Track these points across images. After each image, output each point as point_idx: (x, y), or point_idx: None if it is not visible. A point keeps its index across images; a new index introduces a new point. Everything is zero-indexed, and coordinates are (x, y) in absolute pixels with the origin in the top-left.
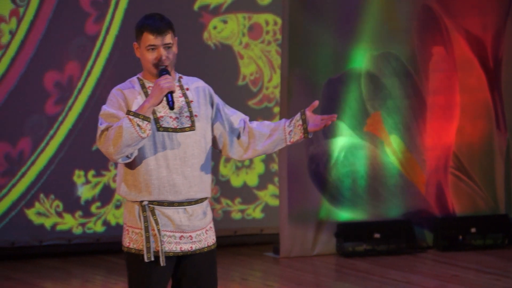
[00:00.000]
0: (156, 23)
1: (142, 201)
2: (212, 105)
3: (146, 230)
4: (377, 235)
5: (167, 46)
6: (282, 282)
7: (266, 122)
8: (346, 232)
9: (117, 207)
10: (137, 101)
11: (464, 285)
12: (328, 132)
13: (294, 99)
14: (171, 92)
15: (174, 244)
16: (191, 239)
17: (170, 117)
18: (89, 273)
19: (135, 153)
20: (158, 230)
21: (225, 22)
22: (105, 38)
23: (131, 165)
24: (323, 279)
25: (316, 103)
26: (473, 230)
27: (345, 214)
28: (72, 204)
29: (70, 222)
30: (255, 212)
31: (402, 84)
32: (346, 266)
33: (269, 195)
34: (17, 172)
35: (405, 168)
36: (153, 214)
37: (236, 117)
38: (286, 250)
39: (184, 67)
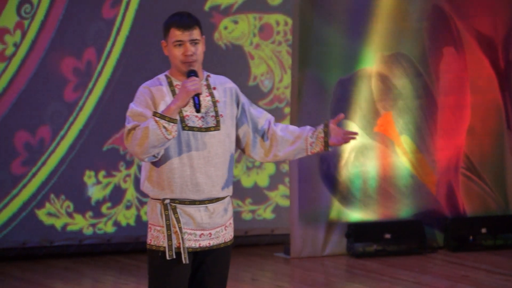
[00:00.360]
0: (183, 19)
1: (164, 200)
2: (237, 105)
3: (168, 228)
4: (387, 236)
5: (194, 42)
6: (292, 282)
7: (291, 127)
8: (357, 233)
9: (128, 207)
10: (164, 101)
11: (474, 286)
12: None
13: (305, 99)
14: (198, 95)
15: (194, 241)
16: (210, 236)
17: (196, 116)
18: (99, 273)
19: (162, 152)
20: (180, 228)
21: (235, 22)
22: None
23: (156, 162)
24: (333, 280)
25: (342, 116)
26: (483, 230)
27: (355, 215)
28: (82, 204)
29: (80, 223)
30: (266, 213)
31: (412, 84)
32: (357, 267)
33: (280, 196)
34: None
35: (415, 168)
36: (175, 212)
37: (262, 118)
38: (296, 251)
39: None
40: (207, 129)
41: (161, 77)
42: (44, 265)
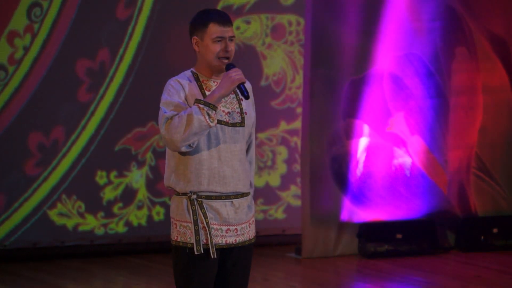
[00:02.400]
0: (221, 15)
1: (190, 195)
2: (253, 106)
3: (195, 223)
4: (399, 236)
5: (231, 39)
6: (304, 282)
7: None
8: (368, 233)
9: (139, 207)
10: (193, 96)
11: (486, 286)
12: (351, 133)
13: (317, 99)
14: (243, 83)
15: (220, 237)
16: (236, 232)
17: (223, 111)
18: (111, 274)
19: (196, 142)
20: (207, 223)
21: (248, 22)
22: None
23: (185, 154)
24: (345, 280)
25: None
26: (495, 230)
27: (367, 215)
28: (94, 204)
29: (92, 223)
30: (277, 213)
31: (424, 84)
32: (368, 267)
33: (291, 196)
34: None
35: (427, 168)
36: (201, 207)
37: (251, 133)
38: (308, 251)
39: None
40: (234, 125)
41: (187, 72)
42: (55, 265)
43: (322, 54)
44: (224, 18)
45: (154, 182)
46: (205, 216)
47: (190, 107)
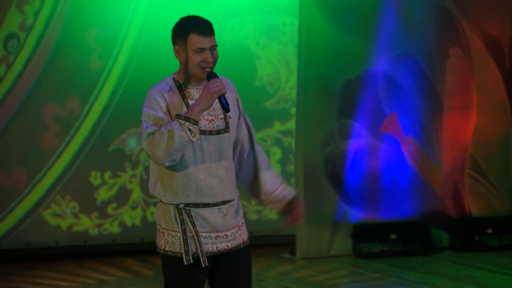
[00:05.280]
0: (202, 24)
1: (178, 204)
2: (239, 108)
3: (184, 233)
4: (393, 236)
5: (213, 48)
6: (298, 283)
7: (269, 173)
8: (362, 233)
9: (133, 208)
10: (176, 106)
11: (480, 286)
12: (345, 133)
13: (311, 100)
14: (223, 95)
15: (210, 244)
16: (226, 237)
17: (207, 119)
18: (105, 274)
19: (180, 156)
20: (196, 232)
21: (242, 23)
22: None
23: (170, 167)
24: (339, 280)
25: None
26: (489, 231)
27: (361, 215)
28: (88, 205)
29: (86, 223)
30: (272, 214)
31: (418, 85)
32: (362, 267)
33: None
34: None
35: (421, 169)
36: (190, 216)
37: (245, 135)
38: (302, 251)
39: None
40: (218, 132)
41: (169, 80)
42: (49, 265)
43: (316, 54)
44: (205, 27)
45: (148, 183)
46: (194, 225)
47: (172, 119)
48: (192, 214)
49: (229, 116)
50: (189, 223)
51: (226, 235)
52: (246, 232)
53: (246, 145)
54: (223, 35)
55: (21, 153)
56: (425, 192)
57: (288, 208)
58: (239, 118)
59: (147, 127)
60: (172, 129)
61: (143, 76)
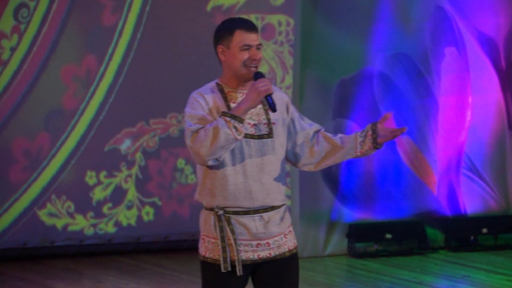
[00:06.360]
0: (248, 22)
1: (217, 211)
2: (288, 115)
3: (222, 240)
4: (388, 236)
5: (258, 47)
6: None
7: (339, 135)
8: (358, 233)
9: (129, 207)
10: (217, 110)
11: (475, 286)
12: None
13: (307, 99)
14: (270, 94)
15: (251, 252)
16: (268, 245)
17: (249, 123)
18: (100, 274)
19: (223, 156)
20: (234, 239)
21: None
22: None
23: (210, 169)
24: (334, 280)
25: (389, 115)
26: (484, 230)
27: (356, 215)
28: (83, 205)
29: (81, 223)
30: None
31: (414, 84)
32: (358, 267)
33: None
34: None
35: (416, 168)
36: (229, 223)
37: (311, 130)
38: (297, 251)
39: (197, 67)
40: (260, 137)
41: (212, 84)
42: (44, 265)
43: (312, 54)
44: (250, 25)
45: (144, 183)
46: (233, 232)
47: (215, 119)
48: (232, 221)
49: (273, 122)
50: (228, 230)
51: (268, 243)
52: (294, 240)
53: (310, 142)
54: None
55: (16, 151)
56: (421, 192)
57: (374, 133)
58: (291, 125)
59: (190, 125)
60: (218, 126)
61: (138, 75)
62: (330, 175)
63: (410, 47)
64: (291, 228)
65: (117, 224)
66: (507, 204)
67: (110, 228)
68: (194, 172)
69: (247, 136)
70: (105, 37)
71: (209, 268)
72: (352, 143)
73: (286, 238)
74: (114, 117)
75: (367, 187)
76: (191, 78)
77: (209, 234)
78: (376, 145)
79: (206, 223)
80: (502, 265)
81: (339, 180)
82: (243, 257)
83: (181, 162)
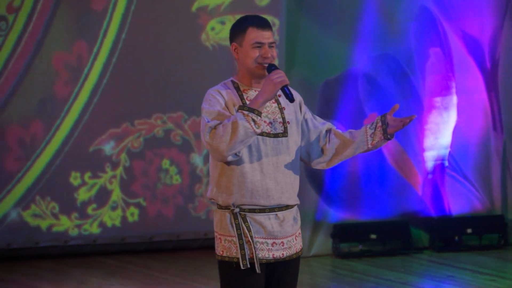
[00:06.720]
0: (260, 19)
1: (233, 209)
2: (301, 114)
3: (240, 237)
4: (373, 236)
5: (271, 45)
6: None
7: (349, 130)
8: (342, 233)
9: (113, 208)
10: (234, 106)
11: (459, 286)
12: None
13: None
14: (286, 85)
15: (267, 251)
16: (282, 245)
17: (264, 121)
18: (85, 274)
19: (242, 151)
20: (251, 237)
21: (223, 23)
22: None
23: (227, 166)
24: (319, 280)
25: (397, 106)
26: (469, 230)
27: (341, 215)
28: (68, 205)
29: (66, 224)
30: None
31: (399, 85)
32: (342, 267)
33: None
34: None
35: (401, 168)
36: (245, 221)
37: (324, 128)
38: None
39: (182, 68)
40: (276, 135)
41: (228, 82)
42: (29, 266)
43: (297, 54)
44: (263, 22)
45: (129, 183)
46: (249, 230)
47: (232, 115)
48: (248, 219)
49: (287, 121)
50: (244, 228)
51: (282, 242)
52: (301, 243)
53: (323, 140)
54: (204, 36)
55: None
56: (405, 192)
57: (384, 124)
58: (304, 124)
59: (208, 121)
60: (236, 120)
61: (122, 76)
62: (315, 175)
63: (395, 48)
64: (300, 231)
65: (102, 224)
66: (492, 204)
67: (95, 229)
68: (177, 173)
69: (263, 134)
70: (94, 26)
71: (227, 267)
72: (362, 136)
73: (296, 240)
74: (99, 118)
75: (352, 187)
76: (176, 79)
77: (225, 233)
78: (387, 135)
79: (222, 222)
80: (486, 265)
81: (323, 180)
82: (259, 256)
83: (165, 163)
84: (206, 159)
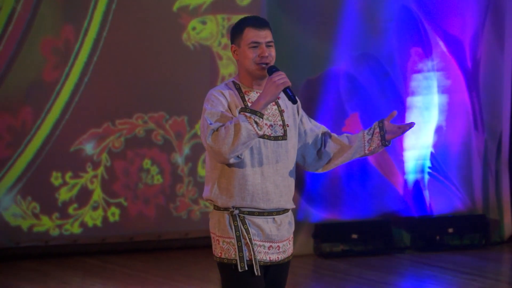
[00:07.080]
0: (257, 19)
1: (232, 210)
2: (298, 117)
3: (238, 239)
4: (354, 236)
5: (269, 45)
6: None
7: (345, 134)
8: (324, 233)
9: (94, 208)
10: (237, 106)
11: (441, 286)
12: None
13: None
14: (288, 87)
15: (264, 254)
16: (278, 249)
17: (265, 124)
18: (66, 274)
19: (244, 153)
20: (250, 239)
21: (204, 23)
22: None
23: (228, 168)
24: (300, 280)
25: (395, 113)
26: (450, 230)
27: (322, 215)
28: (49, 205)
29: (47, 224)
30: None
31: (380, 84)
32: (324, 267)
33: None
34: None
35: (383, 168)
36: (244, 223)
37: (319, 132)
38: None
39: (163, 68)
40: (276, 138)
41: (229, 83)
42: (10, 266)
43: (277, 54)
44: (259, 22)
45: (110, 183)
46: (248, 232)
47: (235, 117)
48: (247, 222)
49: (287, 125)
50: (243, 230)
51: (278, 246)
52: (292, 247)
53: (318, 144)
54: (185, 35)
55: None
56: (387, 192)
57: (382, 130)
58: (300, 127)
59: (211, 123)
60: (238, 122)
61: (103, 75)
62: (296, 175)
63: (376, 47)
64: (293, 235)
65: (83, 224)
66: (473, 204)
67: (76, 229)
68: (158, 172)
69: (264, 137)
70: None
71: (226, 268)
72: (359, 142)
73: (289, 244)
74: (79, 118)
75: (333, 187)
76: (157, 79)
77: (223, 235)
78: (384, 142)
79: (221, 224)
80: (468, 264)
81: (305, 180)
82: (258, 258)
83: (147, 163)
84: (187, 159)
